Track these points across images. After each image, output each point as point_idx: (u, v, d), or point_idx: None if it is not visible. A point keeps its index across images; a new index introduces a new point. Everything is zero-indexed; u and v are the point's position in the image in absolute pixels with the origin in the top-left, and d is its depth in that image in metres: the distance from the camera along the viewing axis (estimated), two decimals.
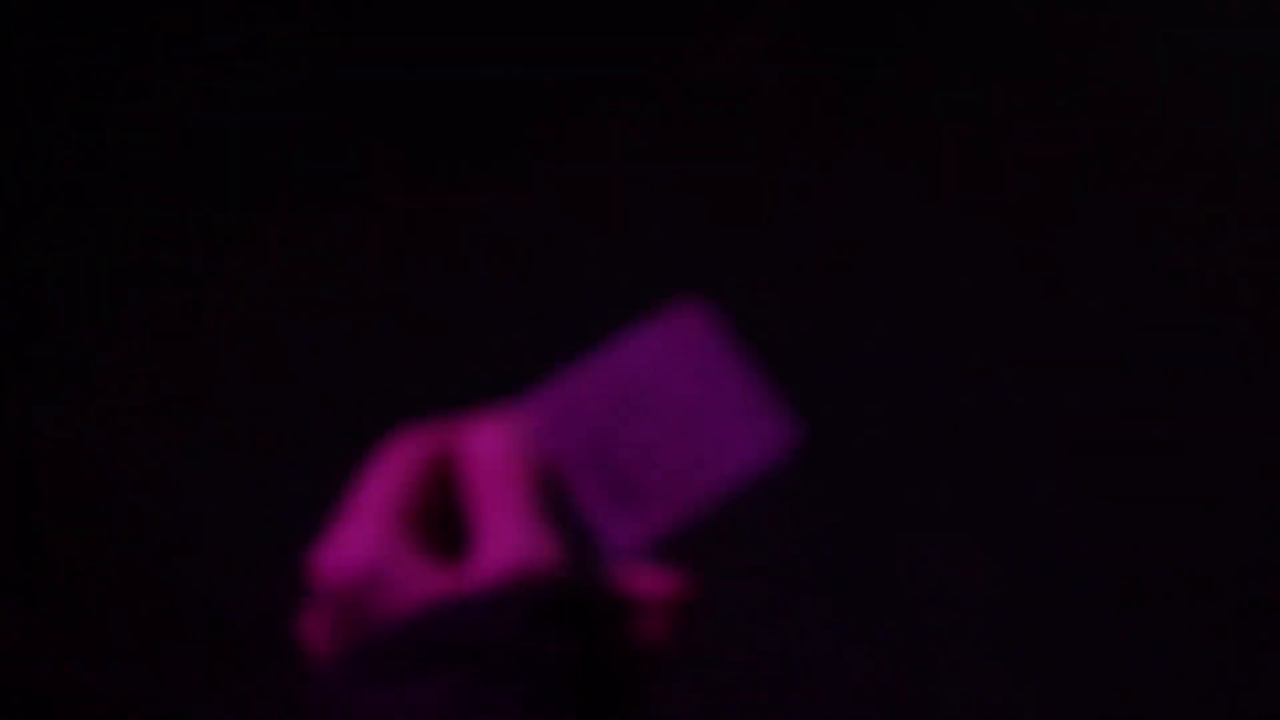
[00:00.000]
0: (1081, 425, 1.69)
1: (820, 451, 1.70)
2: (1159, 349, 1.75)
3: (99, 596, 1.64)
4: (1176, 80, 2.02)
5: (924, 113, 1.99)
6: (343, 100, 2.09)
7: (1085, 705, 1.49)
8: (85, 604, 1.64)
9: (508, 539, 0.47)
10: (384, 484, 0.49)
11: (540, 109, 2.06)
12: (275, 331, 1.86)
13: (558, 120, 2.05)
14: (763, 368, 0.54)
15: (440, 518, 0.51)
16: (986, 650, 1.53)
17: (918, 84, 2.03)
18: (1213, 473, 1.64)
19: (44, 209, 2.04)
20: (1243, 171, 1.92)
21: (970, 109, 1.99)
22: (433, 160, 2.02)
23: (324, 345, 1.84)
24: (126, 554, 1.67)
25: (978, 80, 2.03)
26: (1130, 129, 1.96)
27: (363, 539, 0.47)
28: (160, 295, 1.92)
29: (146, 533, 1.69)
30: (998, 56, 2.06)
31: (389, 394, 1.71)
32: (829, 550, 1.61)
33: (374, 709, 0.44)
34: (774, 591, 1.58)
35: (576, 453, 0.52)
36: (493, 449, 0.50)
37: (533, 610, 0.45)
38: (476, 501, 0.49)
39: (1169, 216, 1.87)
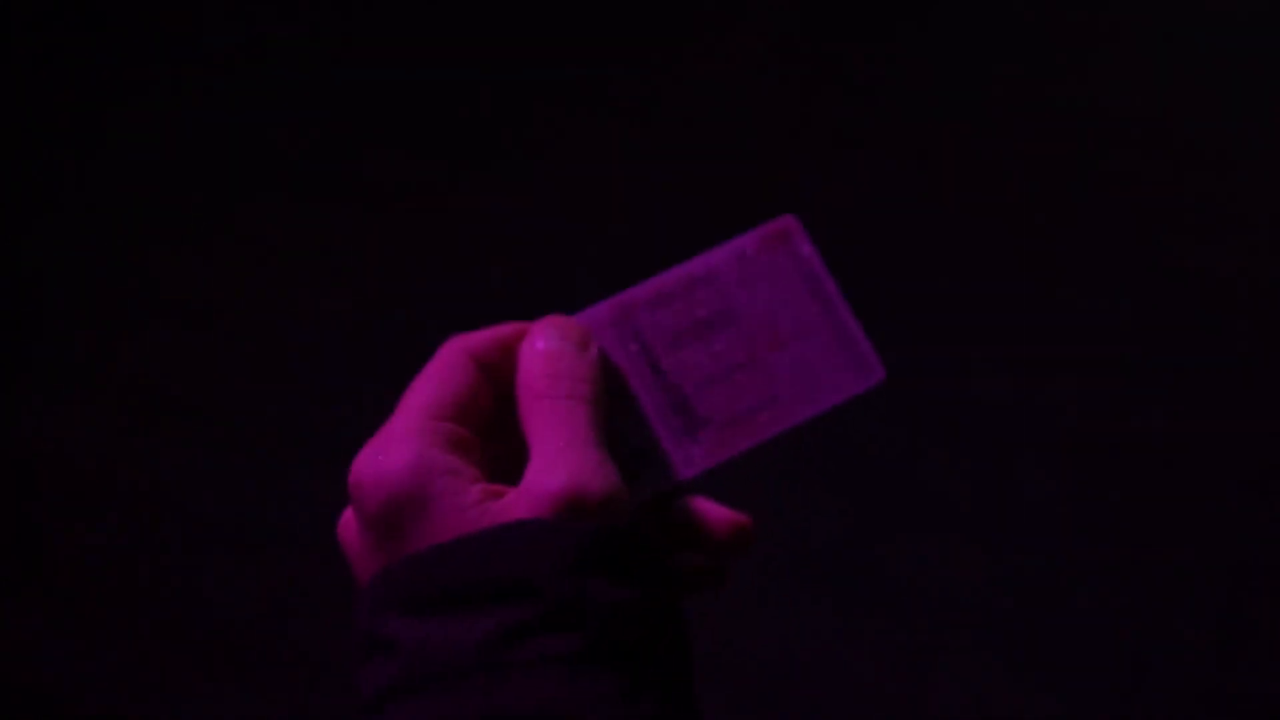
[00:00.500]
0: (1081, 425, 1.69)
1: (820, 451, 1.70)
2: (1159, 349, 1.75)
3: (99, 597, 1.64)
4: (1176, 80, 2.02)
5: (924, 113, 1.99)
6: (343, 100, 2.10)
7: (1085, 705, 1.49)
8: (85, 605, 1.64)
9: (560, 462, 0.42)
10: (433, 389, 0.44)
11: (540, 109, 2.07)
12: (275, 331, 1.86)
13: (558, 120, 2.05)
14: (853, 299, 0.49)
15: (498, 429, 0.46)
16: (986, 650, 1.53)
17: (918, 84, 2.03)
18: (1213, 473, 1.64)
19: (44, 209, 2.04)
20: (1243, 171, 1.92)
21: (970, 109, 1.99)
22: (433, 160, 2.02)
23: (324, 345, 1.84)
24: (126, 554, 1.67)
25: (978, 80, 2.03)
26: (1130, 129, 1.96)
27: (405, 448, 0.42)
28: (160, 295, 1.92)
29: (146, 534, 1.69)
30: (998, 57, 2.06)
31: (389, 394, 1.71)
32: (829, 549, 1.61)
33: (403, 643, 0.40)
34: (773, 591, 1.58)
35: (643, 368, 0.47)
36: (550, 357, 0.45)
37: (585, 546, 0.40)
38: (530, 416, 0.44)
39: (1169, 216, 1.87)
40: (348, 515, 0.45)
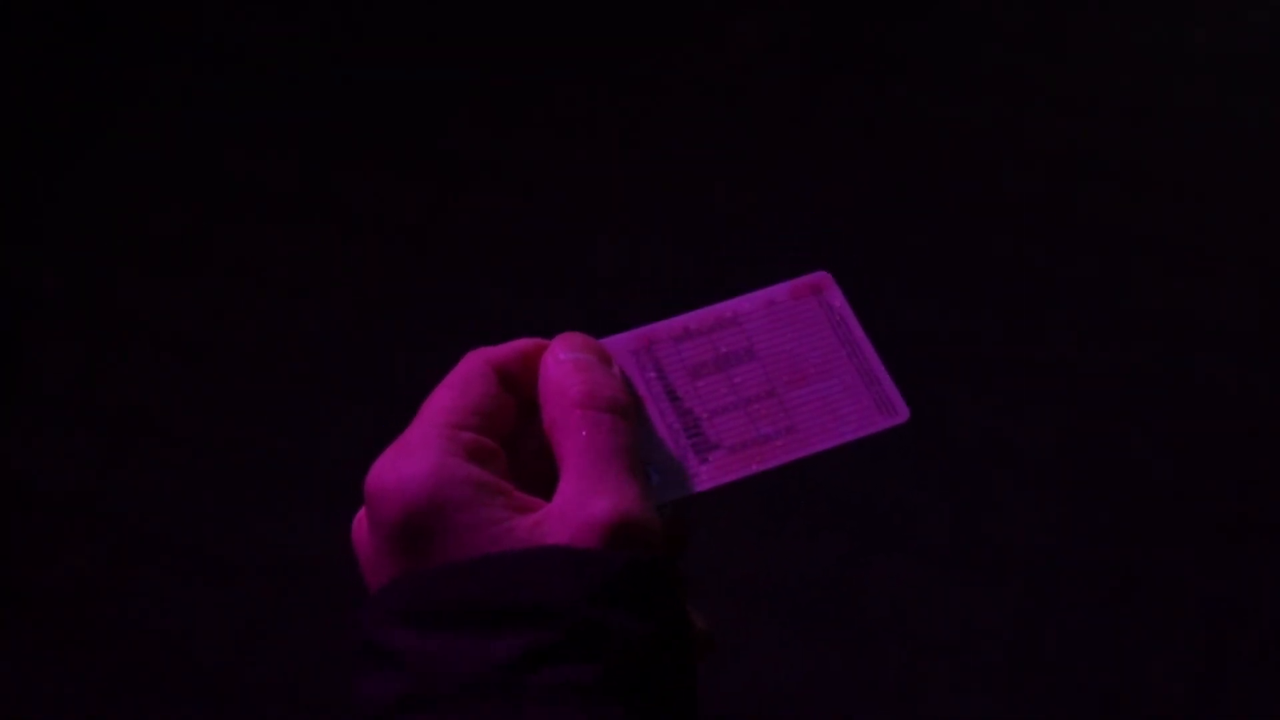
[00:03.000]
0: (1083, 426, 1.69)
1: (795, 482, 1.70)
2: (1158, 349, 1.75)
3: (77, 625, 1.64)
4: (1176, 80, 2.02)
5: (924, 113, 1.99)
6: (343, 100, 2.09)
7: (1085, 705, 1.49)
8: (63, 632, 1.64)
9: (603, 487, 0.41)
10: (454, 397, 0.43)
11: (540, 109, 2.06)
12: (276, 330, 1.86)
13: (557, 120, 2.05)
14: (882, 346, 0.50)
15: (520, 441, 0.45)
16: (987, 650, 1.53)
17: (918, 84, 2.03)
18: (1213, 473, 1.64)
19: (43, 211, 2.03)
20: (1243, 172, 1.92)
21: (970, 109, 1.99)
22: (431, 161, 2.02)
23: (324, 344, 1.84)
24: (105, 582, 1.67)
25: (977, 80, 2.03)
26: (1130, 128, 1.96)
27: (425, 456, 0.41)
28: (158, 297, 1.91)
29: (126, 562, 1.69)
30: (997, 57, 2.06)
31: (388, 395, 1.71)
32: (828, 556, 1.61)
33: (415, 657, 0.38)
34: (772, 595, 1.58)
35: (659, 393, 0.47)
36: (580, 367, 0.44)
37: (615, 576, 0.39)
38: (562, 426, 0.43)
39: (1169, 216, 1.87)
40: (361, 516, 0.44)
